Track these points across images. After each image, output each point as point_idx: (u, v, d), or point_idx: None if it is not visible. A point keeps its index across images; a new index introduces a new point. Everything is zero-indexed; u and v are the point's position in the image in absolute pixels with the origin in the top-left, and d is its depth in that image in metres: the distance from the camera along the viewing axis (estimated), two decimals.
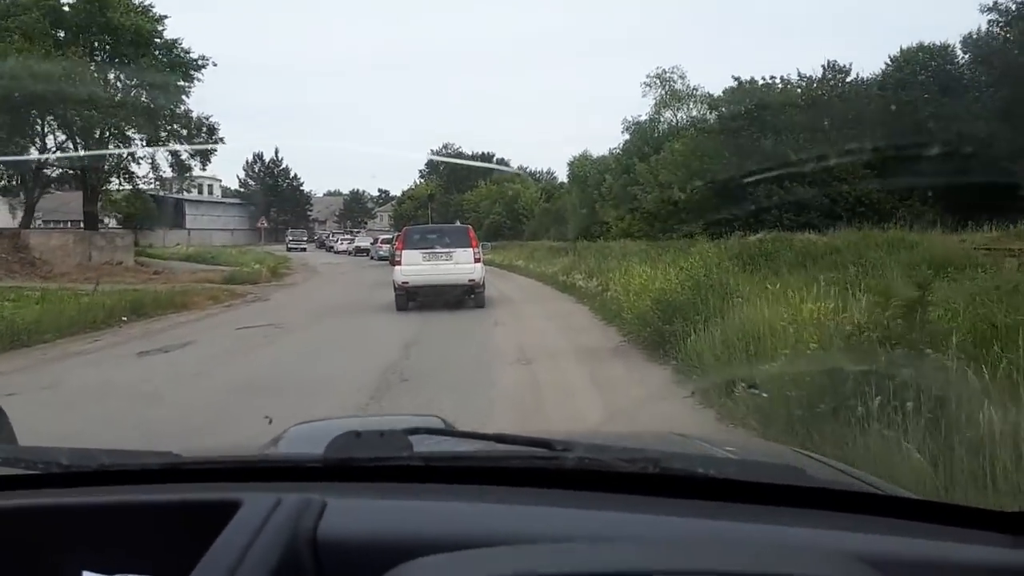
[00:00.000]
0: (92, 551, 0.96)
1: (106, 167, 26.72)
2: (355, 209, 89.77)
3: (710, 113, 36.30)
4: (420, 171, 79.88)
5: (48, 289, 16.52)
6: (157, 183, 29.19)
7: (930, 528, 0.94)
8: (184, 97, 26.83)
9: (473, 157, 75.53)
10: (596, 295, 13.83)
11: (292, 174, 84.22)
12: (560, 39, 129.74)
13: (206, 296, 17.10)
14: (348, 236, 60.80)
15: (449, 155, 78.31)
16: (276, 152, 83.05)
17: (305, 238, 63.59)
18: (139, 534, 0.99)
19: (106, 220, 45.50)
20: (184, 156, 27.52)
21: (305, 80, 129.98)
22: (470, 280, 13.88)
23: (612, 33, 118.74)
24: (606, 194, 39.21)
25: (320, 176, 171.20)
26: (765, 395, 4.43)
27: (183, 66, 25.55)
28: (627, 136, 39.10)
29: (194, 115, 26.90)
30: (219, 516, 0.91)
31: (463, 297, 14.21)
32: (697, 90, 37.47)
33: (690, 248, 21.76)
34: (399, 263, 14.13)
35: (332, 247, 57.71)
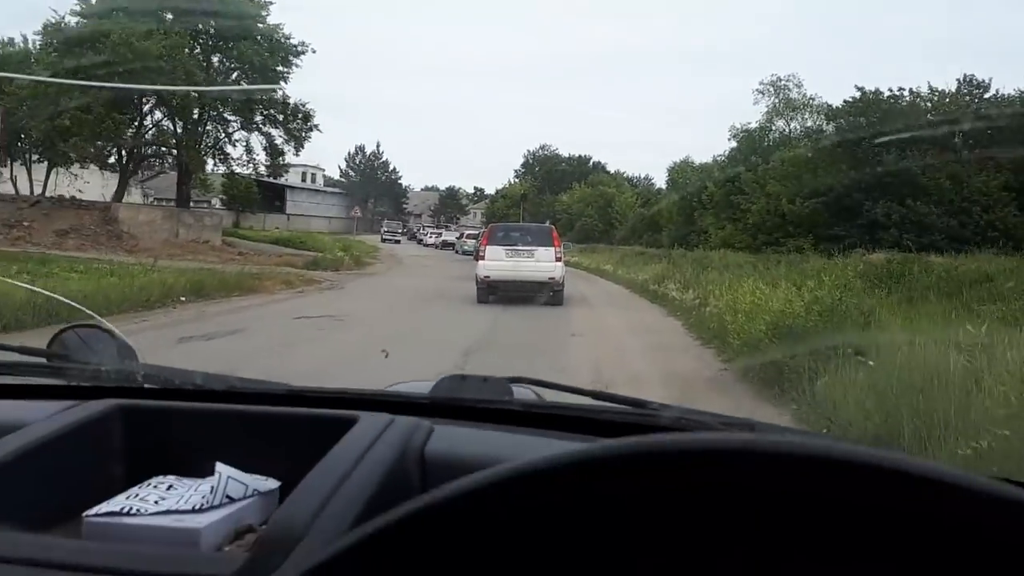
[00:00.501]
0: (222, 451, 1.01)
1: (201, 147, 26.73)
2: (449, 205, 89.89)
3: (827, 124, 33.78)
4: (516, 171, 79.31)
5: (123, 263, 16.18)
6: (251, 167, 28.97)
7: None
8: (283, 82, 26.57)
9: (570, 160, 74.37)
10: (691, 309, 12.22)
11: (391, 167, 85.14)
12: (668, 46, 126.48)
13: (279, 280, 16.38)
14: (437, 231, 60.92)
15: (546, 156, 77.41)
16: (377, 146, 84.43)
17: (400, 230, 63.40)
18: (265, 442, 1.07)
19: (212, 201, 46.55)
20: (279, 141, 27.28)
21: (410, 78, 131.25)
22: (550, 278, 13.97)
23: (721, 41, 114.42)
24: (706, 202, 37.19)
25: (419, 171, 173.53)
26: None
27: (283, 51, 25.22)
28: (734, 144, 36.81)
29: (291, 102, 26.59)
30: (339, 431, 0.99)
31: (542, 295, 14.04)
32: (813, 100, 34.94)
33: (802, 264, 19.76)
34: (483, 258, 14.38)
35: (422, 240, 57.73)
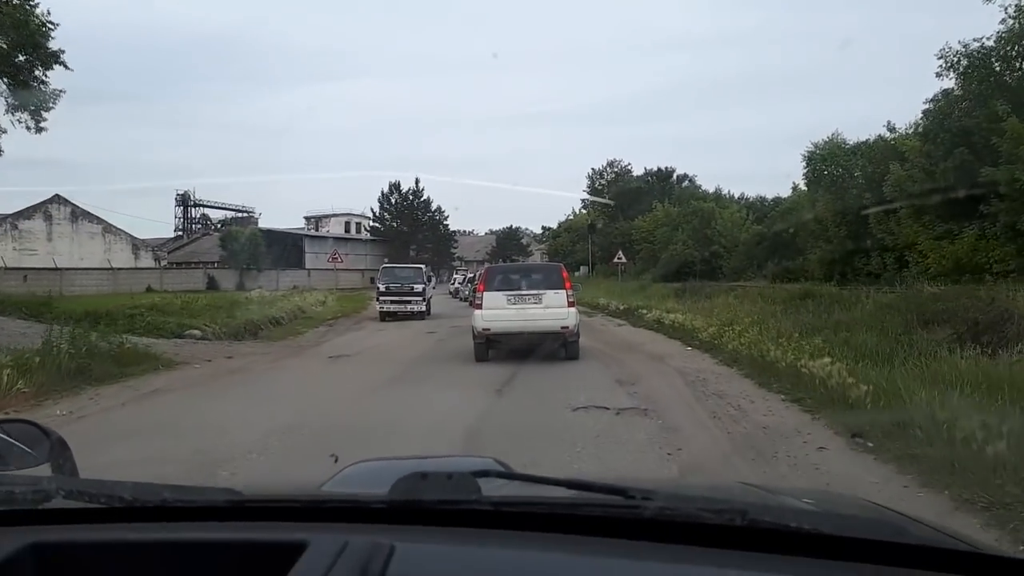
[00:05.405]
0: None
1: None
2: (508, 246, 74.35)
3: None
4: (582, 199, 63.83)
5: None
6: None
7: None
8: None
9: (647, 175, 58.48)
10: None
11: (434, 207, 69.74)
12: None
13: None
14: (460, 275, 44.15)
15: (616, 174, 62.09)
16: (416, 182, 69.16)
17: (419, 283, 25.55)
18: (205, 572, 0.97)
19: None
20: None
21: (479, 129, 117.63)
22: (563, 327, 12.13)
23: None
24: (893, 194, 20.87)
25: (486, 217, 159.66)
26: None
27: None
28: (949, 82, 20.37)
29: None
30: (285, 557, 0.90)
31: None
32: None
33: None
34: (479, 306, 12.51)
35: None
